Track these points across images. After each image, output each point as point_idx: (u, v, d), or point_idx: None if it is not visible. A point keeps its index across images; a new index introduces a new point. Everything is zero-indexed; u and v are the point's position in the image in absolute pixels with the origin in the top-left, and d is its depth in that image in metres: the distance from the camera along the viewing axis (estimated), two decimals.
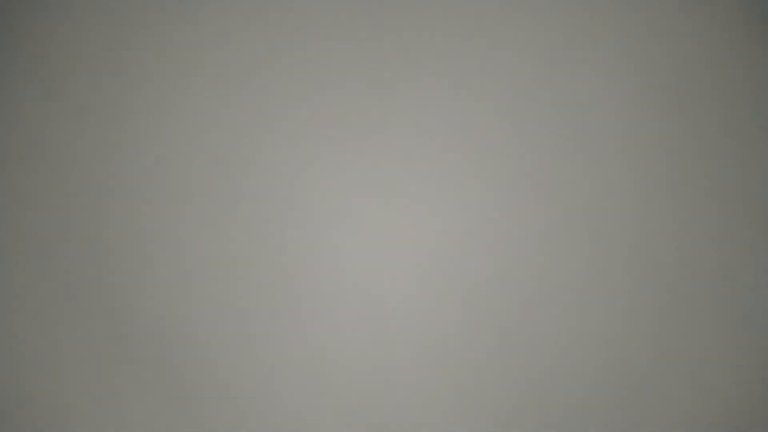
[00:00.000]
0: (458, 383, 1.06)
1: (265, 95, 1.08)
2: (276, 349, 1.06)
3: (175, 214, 1.07)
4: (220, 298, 1.07)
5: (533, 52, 1.07)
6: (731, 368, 1.05)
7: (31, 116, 1.09)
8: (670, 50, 1.07)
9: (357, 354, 1.06)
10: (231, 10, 1.09)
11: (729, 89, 1.07)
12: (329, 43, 1.08)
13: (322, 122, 1.08)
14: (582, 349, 1.05)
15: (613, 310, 1.06)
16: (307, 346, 1.06)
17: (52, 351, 1.07)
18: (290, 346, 1.06)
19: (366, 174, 1.07)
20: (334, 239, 1.07)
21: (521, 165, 1.07)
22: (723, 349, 1.05)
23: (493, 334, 1.06)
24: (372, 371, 1.06)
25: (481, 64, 1.07)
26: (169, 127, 1.08)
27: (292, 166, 1.07)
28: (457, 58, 1.07)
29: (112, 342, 1.07)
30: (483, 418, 1.06)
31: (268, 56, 1.08)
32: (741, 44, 1.07)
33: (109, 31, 1.09)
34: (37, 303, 1.08)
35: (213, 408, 1.06)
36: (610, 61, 1.07)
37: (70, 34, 1.09)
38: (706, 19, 1.07)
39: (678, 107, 1.07)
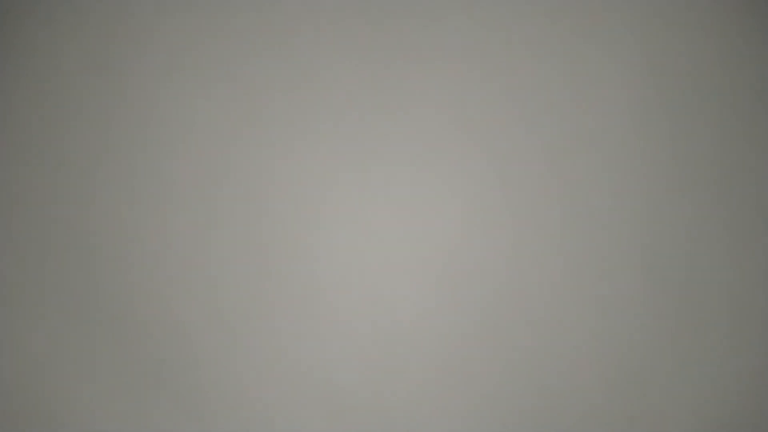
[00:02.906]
0: (465, 388, 1.06)
1: (259, 93, 1.08)
2: (275, 351, 1.06)
3: (173, 215, 1.07)
4: (218, 299, 1.07)
5: (539, 48, 1.07)
6: (741, 371, 1.05)
7: (25, 118, 1.09)
8: (679, 49, 1.07)
9: (358, 356, 1.06)
10: (225, 6, 1.08)
11: (738, 90, 1.07)
12: (327, 38, 1.08)
13: (321, 120, 1.07)
14: (590, 353, 1.05)
15: (622, 313, 1.05)
16: (307, 348, 1.06)
17: (50, 351, 1.07)
18: (289, 347, 1.06)
19: (367, 173, 1.07)
20: (333, 239, 1.07)
21: (528, 165, 1.06)
22: (732, 352, 1.05)
23: (500, 337, 1.06)
24: (375, 374, 1.06)
25: (487, 60, 1.07)
26: (163, 128, 1.08)
27: (289, 166, 1.07)
28: (463, 55, 1.07)
29: (109, 342, 1.07)
30: (490, 423, 1.05)
31: (263, 52, 1.08)
32: (750, 45, 1.07)
33: (101, 31, 1.09)
34: (34, 303, 1.07)
35: (211, 408, 1.06)
36: (619, 58, 1.07)
37: (63, 35, 1.09)
38: (715, 19, 1.07)
39: (687, 107, 1.06)
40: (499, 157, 1.07)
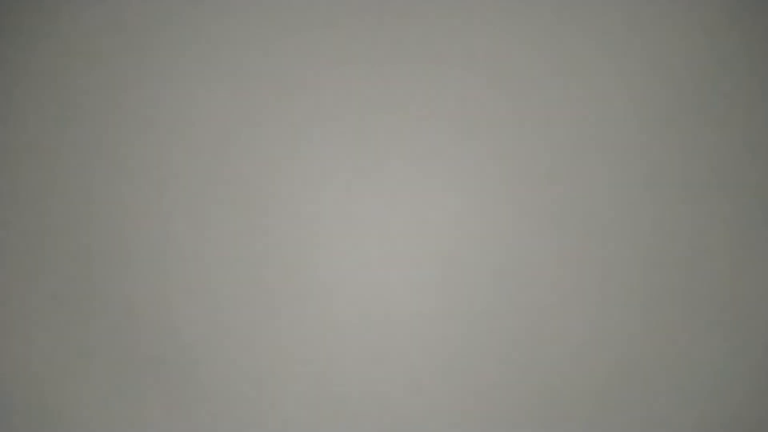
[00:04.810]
0: (465, 387, 1.06)
1: (259, 92, 1.08)
2: (275, 352, 1.06)
3: (172, 215, 1.07)
4: (218, 299, 1.07)
5: (539, 49, 1.07)
6: (741, 371, 1.05)
7: (24, 118, 1.09)
8: (681, 50, 1.07)
9: (357, 355, 1.06)
10: (225, 7, 1.08)
11: (739, 91, 1.07)
12: (328, 37, 1.08)
13: (319, 119, 1.07)
14: (590, 352, 1.05)
15: (621, 312, 1.05)
16: (307, 349, 1.06)
17: (50, 351, 1.07)
18: (290, 347, 1.06)
19: (366, 172, 1.07)
20: (332, 238, 1.07)
21: (528, 166, 1.06)
22: (732, 352, 1.05)
23: (501, 338, 1.06)
24: (374, 375, 1.06)
25: (488, 58, 1.07)
26: (162, 129, 1.08)
27: (288, 165, 1.07)
28: (463, 54, 1.07)
29: (108, 343, 1.07)
30: (489, 421, 1.05)
31: (263, 53, 1.08)
32: (751, 45, 1.07)
33: (101, 31, 1.09)
34: (33, 304, 1.07)
35: (209, 409, 1.06)
36: (620, 59, 1.07)
37: (63, 35, 1.09)
38: (716, 19, 1.07)
39: (688, 107, 1.07)
40: (499, 158, 1.07)
